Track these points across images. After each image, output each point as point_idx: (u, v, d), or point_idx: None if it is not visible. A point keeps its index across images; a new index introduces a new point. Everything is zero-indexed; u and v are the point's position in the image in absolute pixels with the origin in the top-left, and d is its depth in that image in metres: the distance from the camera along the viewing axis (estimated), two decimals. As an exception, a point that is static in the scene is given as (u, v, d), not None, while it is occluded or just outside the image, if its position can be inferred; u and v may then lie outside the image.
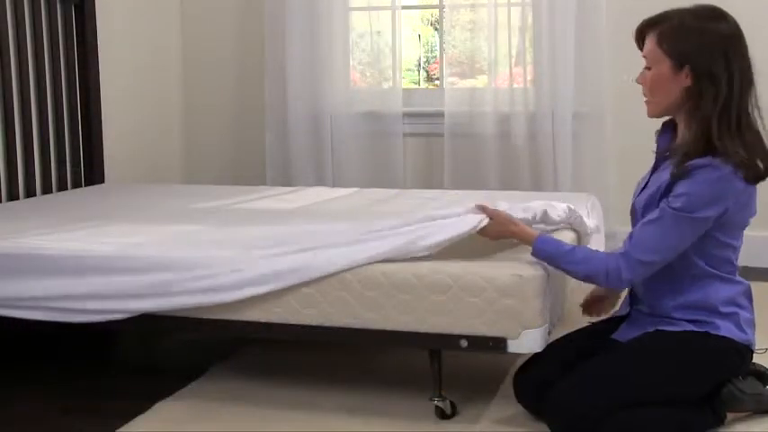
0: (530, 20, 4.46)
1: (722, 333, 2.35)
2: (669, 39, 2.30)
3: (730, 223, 2.33)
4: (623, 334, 2.49)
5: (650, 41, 2.35)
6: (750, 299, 2.44)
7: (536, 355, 2.55)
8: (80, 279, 2.75)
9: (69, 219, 3.26)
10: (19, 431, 2.66)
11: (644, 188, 2.46)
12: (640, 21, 2.42)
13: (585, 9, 4.34)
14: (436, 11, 4.97)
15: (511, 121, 4.49)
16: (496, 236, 2.57)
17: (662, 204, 2.30)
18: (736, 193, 2.27)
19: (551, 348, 2.55)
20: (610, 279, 2.35)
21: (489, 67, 4.55)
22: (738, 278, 2.42)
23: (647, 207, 2.38)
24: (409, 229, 2.60)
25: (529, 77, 4.48)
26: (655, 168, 2.46)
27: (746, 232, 2.42)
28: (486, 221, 2.54)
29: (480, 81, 4.69)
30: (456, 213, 2.60)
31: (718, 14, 2.32)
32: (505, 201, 2.75)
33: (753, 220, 2.39)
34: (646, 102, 2.40)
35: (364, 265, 2.55)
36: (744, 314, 2.40)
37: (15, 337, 3.40)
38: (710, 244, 2.34)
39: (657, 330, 2.39)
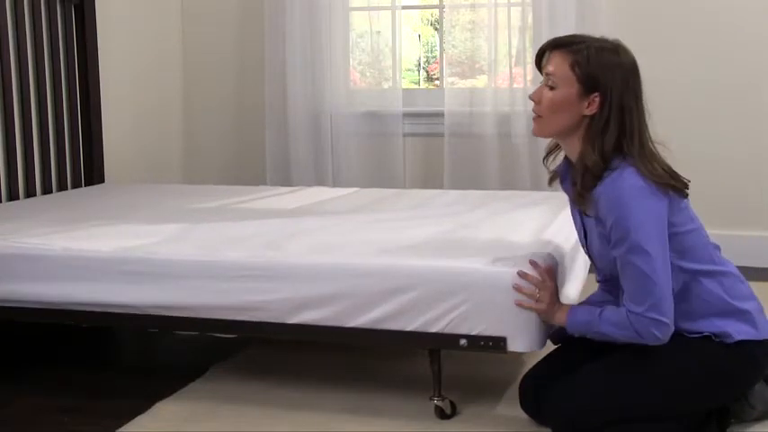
0: (530, 20, 4.46)
1: (737, 338, 2.27)
2: (583, 64, 2.27)
3: (671, 212, 2.25)
4: None
5: (560, 62, 2.30)
6: (745, 283, 2.36)
7: (542, 358, 2.54)
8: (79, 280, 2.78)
9: (69, 219, 3.27)
10: (19, 431, 2.66)
11: (585, 234, 2.42)
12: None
13: (585, 9, 4.34)
14: (436, 11, 4.98)
15: (511, 121, 4.49)
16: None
17: (613, 251, 2.26)
18: (648, 190, 2.21)
19: (557, 350, 2.54)
20: (647, 339, 2.24)
21: (489, 67, 4.55)
22: (724, 266, 2.34)
23: (604, 253, 2.33)
24: None
25: (529, 77, 4.47)
26: (581, 211, 2.40)
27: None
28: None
29: (480, 81, 4.69)
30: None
31: (624, 48, 2.32)
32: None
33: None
34: (536, 119, 2.37)
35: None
36: (748, 305, 2.31)
37: (15, 337, 3.40)
38: (673, 241, 2.26)
39: (675, 334, 2.28)
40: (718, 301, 2.30)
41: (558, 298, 2.45)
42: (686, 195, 2.29)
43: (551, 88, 2.32)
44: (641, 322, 2.22)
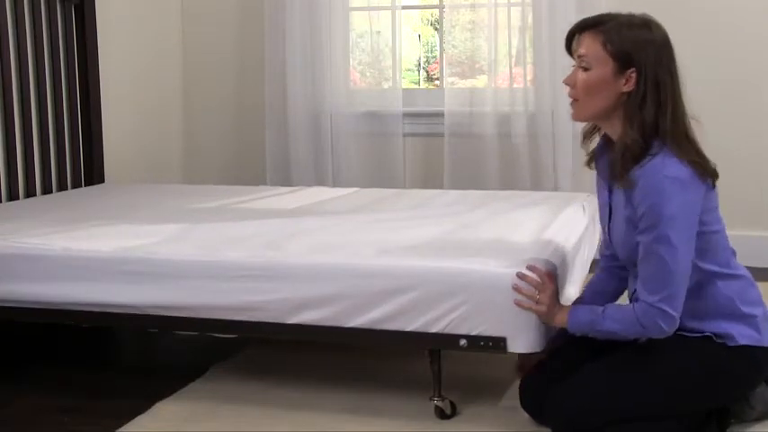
0: (530, 20, 4.46)
1: (740, 342, 2.27)
2: (615, 41, 2.24)
3: (703, 209, 2.25)
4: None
5: (591, 42, 2.27)
6: (757, 289, 2.36)
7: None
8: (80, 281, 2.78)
9: (69, 219, 3.27)
10: (19, 431, 2.66)
11: (611, 215, 2.40)
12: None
13: (585, 9, 4.33)
14: (436, 11, 4.98)
15: (511, 121, 4.49)
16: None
17: (638, 235, 2.24)
18: (689, 183, 2.21)
19: (558, 349, 2.54)
20: (651, 332, 2.24)
21: (489, 67, 4.55)
22: (739, 270, 2.34)
23: (626, 237, 2.31)
24: None
25: (529, 77, 4.47)
26: (610, 190, 2.39)
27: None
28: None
29: (480, 81, 4.69)
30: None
31: (654, 23, 2.30)
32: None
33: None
34: (573, 104, 2.34)
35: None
36: (756, 311, 2.31)
37: (15, 337, 3.40)
38: (698, 240, 2.25)
39: (676, 335, 2.29)
40: (728, 303, 2.29)
41: (558, 300, 2.45)
42: (714, 185, 2.28)
43: (585, 69, 2.29)
44: (649, 313, 2.21)
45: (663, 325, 2.22)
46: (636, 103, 2.24)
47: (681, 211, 2.19)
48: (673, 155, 2.21)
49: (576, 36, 2.33)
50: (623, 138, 2.26)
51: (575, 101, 2.33)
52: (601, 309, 2.33)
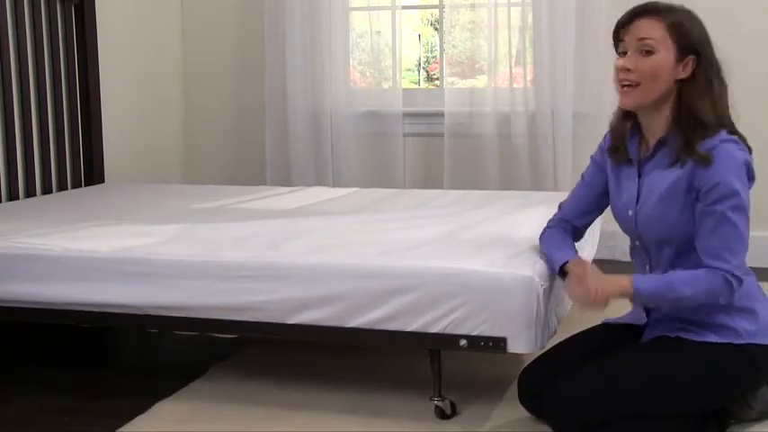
0: (530, 20, 4.46)
1: (745, 341, 2.28)
2: (681, 29, 2.27)
3: None
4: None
5: (655, 27, 2.27)
6: (761, 289, 2.39)
7: (542, 353, 2.54)
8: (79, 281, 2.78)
9: (69, 219, 3.27)
10: (18, 431, 2.66)
11: (639, 197, 2.38)
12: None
13: (585, 9, 4.34)
14: (436, 11, 4.98)
15: (511, 121, 4.49)
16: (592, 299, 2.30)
17: (706, 209, 2.23)
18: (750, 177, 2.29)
19: (558, 347, 2.55)
20: (722, 295, 2.23)
21: (489, 67, 4.55)
22: (749, 270, 2.35)
23: (664, 214, 2.30)
24: None
25: (529, 77, 4.47)
26: (639, 174, 2.38)
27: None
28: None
29: (480, 81, 4.69)
30: None
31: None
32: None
33: (753, 221, 2.38)
34: (631, 89, 2.30)
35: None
36: (760, 308, 2.33)
37: (15, 337, 3.40)
38: None
39: (678, 338, 2.32)
40: (741, 295, 2.30)
41: (598, 272, 2.35)
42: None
43: (648, 53, 2.28)
44: (720, 278, 2.21)
45: (732, 291, 2.22)
46: (701, 87, 2.26)
47: (746, 194, 2.26)
48: (742, 146, 2.28)
49: (636, 21, 2.31)
50: (695, 113, 2.26)
51: (636, 85, 2.30)
52: (664, 277, 2.27)
